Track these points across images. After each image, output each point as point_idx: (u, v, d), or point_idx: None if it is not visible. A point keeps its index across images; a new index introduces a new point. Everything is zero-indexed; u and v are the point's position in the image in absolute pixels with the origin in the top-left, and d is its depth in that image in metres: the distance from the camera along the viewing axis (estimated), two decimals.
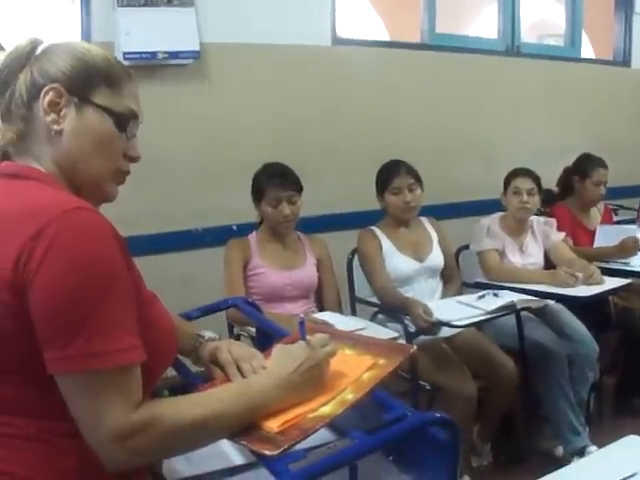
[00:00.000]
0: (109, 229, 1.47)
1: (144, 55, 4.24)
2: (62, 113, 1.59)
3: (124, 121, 1.67)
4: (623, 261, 4.70)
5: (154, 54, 4.27)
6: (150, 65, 4.31)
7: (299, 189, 3.88)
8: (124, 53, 4.14)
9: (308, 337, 1.75)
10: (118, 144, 1.67)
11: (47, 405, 1.47)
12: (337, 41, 5.17)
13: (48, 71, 1.59)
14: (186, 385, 1.96)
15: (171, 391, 1.83)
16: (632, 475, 1.75)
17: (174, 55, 4.35)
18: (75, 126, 1.59)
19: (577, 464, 2.17)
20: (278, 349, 1.78)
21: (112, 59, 1.71)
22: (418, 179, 4.15)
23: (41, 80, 1.58)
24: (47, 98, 1.57)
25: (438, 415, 1.72)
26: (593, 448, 3.95)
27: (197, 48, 4.41)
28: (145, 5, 4.25)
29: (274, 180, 3.81)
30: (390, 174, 4.15)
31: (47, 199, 1.48)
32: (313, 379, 1.70)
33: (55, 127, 1.58)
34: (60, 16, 5.15)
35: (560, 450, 4.13)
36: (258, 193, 3.86)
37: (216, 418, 1.55)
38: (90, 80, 1.62)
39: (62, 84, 1.58)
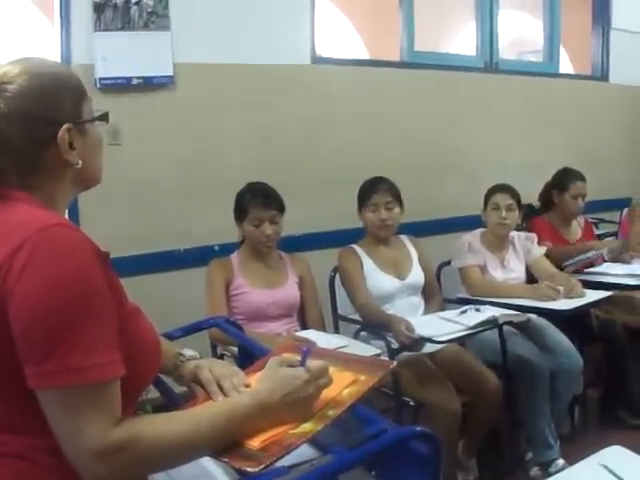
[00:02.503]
0: (88, 244, 1.48)
1: (119, 81, 4.32)
2: (74, 146, 1.61)
3: (107, 115, 1.75)
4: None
5: (129, 79, 4.35)
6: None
7: (281, 209, 3.88)
8: (100, 78, 4.22)
9: (308, 364, 1.72)
10: None
11: (31, 421, 1.46)
12: (316, 60, 5.19)
13: (45, 116, 1.58)
14: (168, 405, 1.96)
15: (154, 410, 1.83)
16: None
17: (148, 80, 4.42)
18: (83, 148, 1.64)
19: (561, 475, 2.17)
20: (272, 368, 1.75)
21: (67, 68, 1.75)
22: (397, 198, 4.17)
23: (48, 127, 1.58)
24: (66, 142, 1.59)
25: (418, 429, 1.73)
26: (560, 461, 3.99)
27: (170, 73, 4.47)
28: (122, 29, 4.28)
29: (257, 200, 3.81)
30: (369, 191, 4.17)
31: (26, 217, 1.50)
32: (299, 410, 1.67)
33: (77, 161, 1.62)
34: (40, 39, 5.16)
35: (529, 455, 4.14)
36: (241, 212, 3.86)
37: (196, 437, 1.54)
38: (79, 103, 1.66)
39: (69, 120, 1.60)
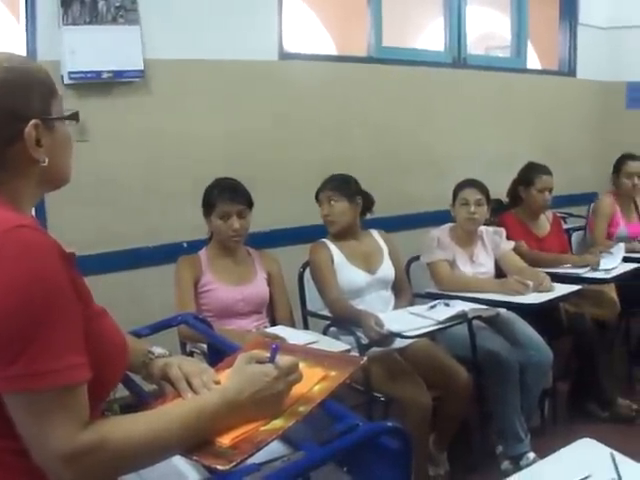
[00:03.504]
0: (51, 246, 1.46)
1: (89, 75, 4.27)
2: (42, 142, 1.58)
3: (77, 115, 1.73)
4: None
5: (99, 73, 4.31)
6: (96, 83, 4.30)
7: (249, 204, 3.87)
8: (69, 72, 4.17)
9: (277, 360, 1.71)
10: None
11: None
12: (284, 56, 5.19)
13: (13, 111, 1.55)
14: (138, 403, 1.95)
15: (123, 409, 1.81)
16: (586, 477, 1.77)
17: (118, 74, 4.38)
18: (51, 146, 1.61)
19: (532, 468, 2.18)
20: (241, 365, 1.73)
21: (38, 64, 1.71)
22: (345, 193, 4.16)
23: (15, 123, 1.54)
24: (32, 138, 1.56)
25: (389, 424, 1.73)
26: (531, 455, 4.00)
27: (141, 67, 4.45)
28: (90, 23, 4.24)
29: (225, 194, 3.80)
30: (319, 188, 4.23)
31: None
32: (269, 407, 1.67)
33: (44, 158, 1.58)
34: (4, 35, 5.10)
35: (500, 449, 4.15)
36: (208, 206, 3.85)
37: (166, 437, 1.53)
38: (48, 100, 1.63)
39: (37, 117, 1.57)
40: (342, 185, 4.19)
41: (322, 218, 4.20)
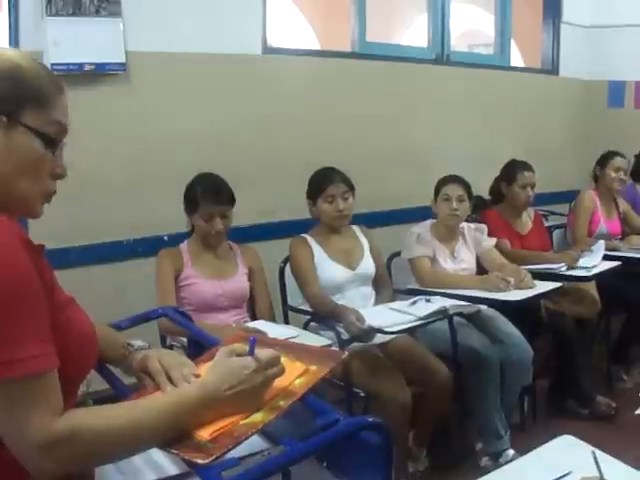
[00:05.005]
0: (15, 235, 1.43)
1: (71, 67, 4.24)
2: None
3: (53, 141, 1.59)
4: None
5: (81, 65, 4.28)
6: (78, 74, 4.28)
7: (232, 202, 3.85)
8: (52, 64, 4.12)
9: (257, 353, 1.69)
10: (45, 164, 1.58)
11: None
12: (268, 50, 5.17)
13: None
14: (117, 396, 1.94)
15: (97, 403, 1.80)
16: (567, 474, 1.77)
17: (101, 67, 4.36)
18: (1, 147, 1.51)
19: (513, 465, 2.18)
20: (221, 358, 1.71)
21: (44, 73, 1.60)
22: (351, 187, 4.15)
23: None
24: None
25: (370, 419, 1.72)
26: (511, 452, 4.02)
27: (123, 60, 4.42)
28: (73, 15, 4.22)
29: (208, 195, 3.76)
30: (324, 182, 4.13)
31: None
32: (248, 400, 1.65)
33: None
34: None
35: (480, 445, 4.18)
36: (192, 206, 3.82)
37: (143, 428, 1.53)
38: (21, 100, 1.52)
39: None
40: (348, 180, 4.16)
41: (332, 213, 4.10)
